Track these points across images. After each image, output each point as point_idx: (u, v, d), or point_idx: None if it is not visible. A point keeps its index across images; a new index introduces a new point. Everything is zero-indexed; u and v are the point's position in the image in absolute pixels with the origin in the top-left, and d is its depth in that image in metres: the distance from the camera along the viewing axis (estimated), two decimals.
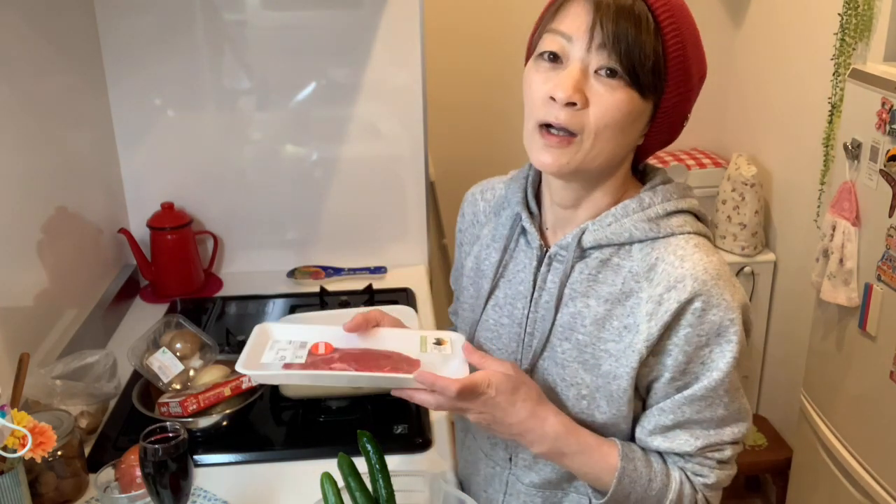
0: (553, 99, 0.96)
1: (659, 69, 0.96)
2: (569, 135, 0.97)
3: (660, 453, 1.08)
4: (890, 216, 1.80)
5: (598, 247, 1.05)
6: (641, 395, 1.07)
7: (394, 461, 1.15)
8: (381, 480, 1.10)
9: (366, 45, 2.01)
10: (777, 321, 2.74)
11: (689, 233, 1.04)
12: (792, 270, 2.61)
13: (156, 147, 2.05)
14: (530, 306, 1.11)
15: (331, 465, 1.11)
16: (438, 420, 1.50)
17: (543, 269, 1.09)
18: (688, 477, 1.07)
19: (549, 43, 0.98)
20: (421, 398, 1.00)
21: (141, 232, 2.05)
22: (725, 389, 1.02)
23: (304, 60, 2.02)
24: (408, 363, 1.04)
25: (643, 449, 1.08)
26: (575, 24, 0.95)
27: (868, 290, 1.89)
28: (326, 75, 2.04)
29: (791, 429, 2.53)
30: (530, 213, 1.13)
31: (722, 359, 1.00)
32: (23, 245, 1.55)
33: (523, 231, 1.13)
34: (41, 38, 1.64)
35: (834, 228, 1.98)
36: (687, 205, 1.06)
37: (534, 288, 1.10)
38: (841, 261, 1.95)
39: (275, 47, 2.01)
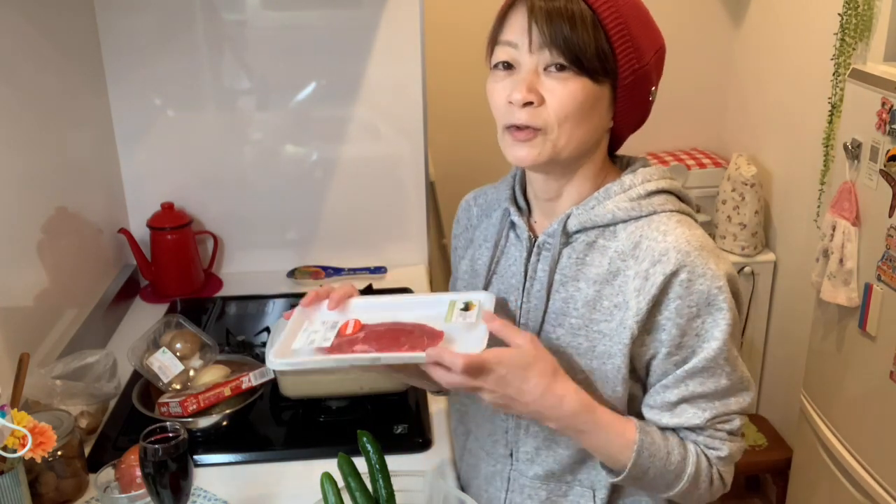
0: (511, 103, 1.02)
1: (603, 53, 1.00)
2: (535, 129, 1.02)
3: (673, 430, 1.08)
4: (890, 216, 1.80)
5: (584, 230, 1.08)
6: (641, 377, 1.08)
7: (394, 461, 1.15)
8: (381, 480, 1.10)
9: (366, 45, 2.01)
10: (777, 321, 2.74)
11: (671, 210, 1.07)
12: (792, 270, 2.61)
13: (156, 147, 2.05)
14: (523, 297, 1.13)
15: (331, 465, 1.11)
16: (438, 420, 1.50)
17: (533, 259, 1.12)
18: (702, 450, 1.07)
19: (499, 54, 1.04)
20: (436, 374, 0.99)
21: (141, 232, 2.05)
22: (725, 358, 1.03)
23: (304, 60, 2.02)
24: (430, 336, 1.03)
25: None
26: (516, 32, 1.02)
27: (868, 290, 1.89)
28: (326, 75, 2.04)
29: (791, 429, 2.53)
30: (518, 207, 1.16)
31: (716, 328, 1.02)
32: (23, 245, 1.55)
33: (512, 225, 1.16)
34: (41, 38, 1.64)
35: (834, 228, 1.98)
36: (667, 185, 1.09)
37: (525, 279, 1.12)
38: (841, 261, 1.95)
39: (275, 47, 2.01)
